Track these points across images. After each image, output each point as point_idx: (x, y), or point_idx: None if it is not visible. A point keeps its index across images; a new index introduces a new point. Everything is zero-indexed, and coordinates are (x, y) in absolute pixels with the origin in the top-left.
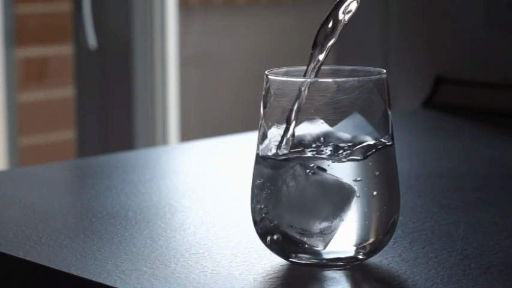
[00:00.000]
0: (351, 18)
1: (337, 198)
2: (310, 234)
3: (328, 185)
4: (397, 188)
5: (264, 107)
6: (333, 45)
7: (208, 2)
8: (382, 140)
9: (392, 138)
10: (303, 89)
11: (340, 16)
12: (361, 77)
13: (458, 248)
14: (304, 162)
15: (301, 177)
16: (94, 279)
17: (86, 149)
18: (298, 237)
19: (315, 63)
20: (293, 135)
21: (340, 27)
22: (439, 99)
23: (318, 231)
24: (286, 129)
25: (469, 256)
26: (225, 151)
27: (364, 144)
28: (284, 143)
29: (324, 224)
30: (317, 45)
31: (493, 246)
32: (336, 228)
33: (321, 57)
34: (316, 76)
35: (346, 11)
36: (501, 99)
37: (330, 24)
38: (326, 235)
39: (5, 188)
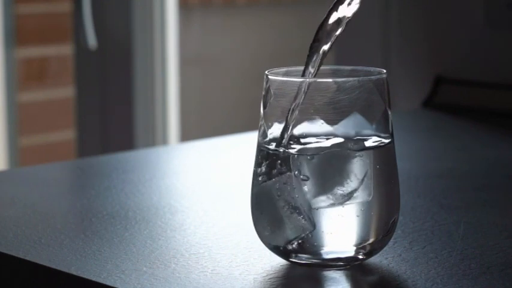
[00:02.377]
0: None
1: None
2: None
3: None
4: (397, 188)
5: (264, 107)
6: (334, 43)
7: (208, 2)
8: (382, 138)
9: (392, 138)
10: (302, 89)
11: (341, 14)
12: (361, 77)
13: (458, 248)
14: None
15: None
16: (94, 279)
17: (86, 149)
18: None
19: (317, 58)
20: (291, 133)
21: (343, 24)
22: (439, 99)
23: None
24: (285, 128)
25: (469, 256)
26: (225, 151)
27: (363, 140)
28: (284, 140)
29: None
30: (317, 41)
31: (493, 246)
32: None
33: (325, 48)
34: (315, 74)
35: (348, 7)
36: (501, 99)
37: (331, 21)
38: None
39: (5, 188)
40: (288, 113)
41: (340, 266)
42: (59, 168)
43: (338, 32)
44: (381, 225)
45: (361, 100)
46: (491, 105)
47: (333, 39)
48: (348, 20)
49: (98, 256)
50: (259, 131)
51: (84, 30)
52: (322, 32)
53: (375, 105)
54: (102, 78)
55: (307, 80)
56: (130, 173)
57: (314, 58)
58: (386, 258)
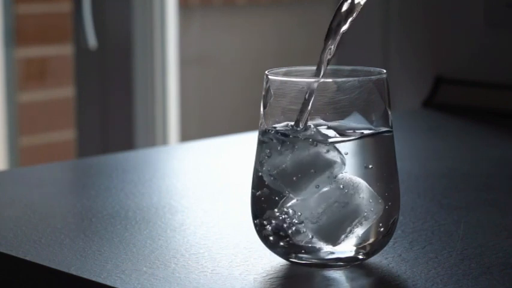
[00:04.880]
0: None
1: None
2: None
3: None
4: (397, 188)
5: (264, 107)
6: (345, 32)
7: (208, 2)
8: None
9: (391, 132)
10: (313, 87)
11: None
12: (361, 77)
13: (458, 248)
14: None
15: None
16: (94, 279)
17: (86, 149)
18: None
19: (329, 50)
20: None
21: (356, 11)
22: (439, 99)
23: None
24: (297, 123)
25: (469, 256)
26: (225, 151)
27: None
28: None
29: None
30: (331, 30)
31: (493, 246)
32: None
33: (334, 44)
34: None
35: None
36: (501, 99)
37: (344, 9)
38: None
39: (5, 188)
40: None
41: (340, 266)
42: (59, 168)
43: (346, 25)
44: (381, 225)
45: (361, 100)
46: (491, 105)
47: (343, 30)
48: (359, 8)
49: (98, 256)
50: (259, 131)
51: (84, 30)
52: (333, 23)
53: (375, 105)
54: (102, 78)
55: (309, 80)
56: (130, 173)
57: (326, 52)
58: (386, 258)
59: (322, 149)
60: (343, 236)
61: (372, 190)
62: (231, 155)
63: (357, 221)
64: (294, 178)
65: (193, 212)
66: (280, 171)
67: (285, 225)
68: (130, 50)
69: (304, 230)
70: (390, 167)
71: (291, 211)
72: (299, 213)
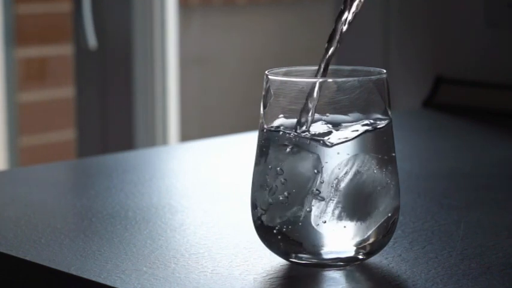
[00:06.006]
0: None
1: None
2: None
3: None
4: (397, 187)
5: (264, 107)
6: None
7: (208, 2)
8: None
9: (390, 122)
10: (316, 88)
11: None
12: (361, 77)
13: (458, 248)
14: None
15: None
16: (94, 279)
17: (86, 149)
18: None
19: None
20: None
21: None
22: (439, 99)
23: None
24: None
25: (469, 256)
26: (225, 151)
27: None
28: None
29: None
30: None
31: (493, 246)
32: None
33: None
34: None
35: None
36: (501, 99)
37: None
38: None
39: (5, 188)
40: (307, 107)
41: (340, 266)
42: (59, 168)
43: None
44: (381, 225)
45: (361, 100)
46: (491, 105)
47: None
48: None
49: (98, 256)
50: (259, 131)
51: (84, 30)
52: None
53: (375, 105)
54: (102, 78)
55: (310, 80)
56: (130, 173)
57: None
58: (387, 258)
59: (304, 153)
60: (372, 207)
61: (379, 157)
62: (231, 155)
63: (379, 188)
64: (296, 183)
65: (193, 212)
66: (283, 177)
67: (312, 216)
68: (130, 50)
69: (333, 211)
70: (391, 169)
71: (308, 207)
72: (319, 204)
